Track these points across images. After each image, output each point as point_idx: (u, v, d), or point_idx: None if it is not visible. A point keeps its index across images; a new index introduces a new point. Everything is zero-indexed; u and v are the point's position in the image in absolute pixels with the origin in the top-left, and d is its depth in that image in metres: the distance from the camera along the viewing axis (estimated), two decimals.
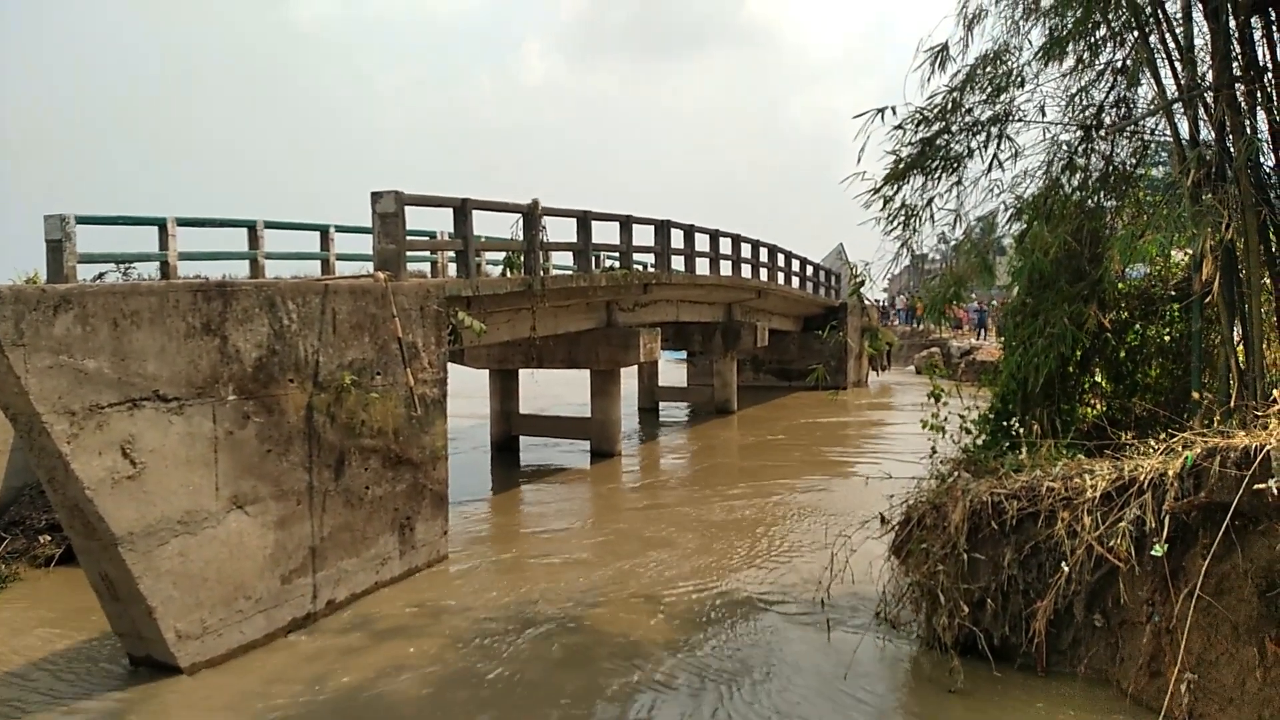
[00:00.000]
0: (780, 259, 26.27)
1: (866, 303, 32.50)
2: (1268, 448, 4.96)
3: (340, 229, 14.29)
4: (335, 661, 7.35)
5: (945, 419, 7.88)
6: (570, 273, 15.79)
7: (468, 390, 20.02)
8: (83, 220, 10.88)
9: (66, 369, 6.28)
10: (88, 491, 6.39)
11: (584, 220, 15.07)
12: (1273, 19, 6.70)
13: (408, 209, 10.69)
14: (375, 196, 10.37)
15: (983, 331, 34.11)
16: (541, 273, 13.77)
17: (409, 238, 10.92)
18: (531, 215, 13.18)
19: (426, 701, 6.61)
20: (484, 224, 12.54)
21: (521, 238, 13.30)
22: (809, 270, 29.82)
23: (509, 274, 13.61)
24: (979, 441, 8.01)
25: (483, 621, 8.22)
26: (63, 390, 6.25)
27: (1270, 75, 6.78)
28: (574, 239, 15.08)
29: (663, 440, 20.60)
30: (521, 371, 18.26)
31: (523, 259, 13.49)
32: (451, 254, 13.54)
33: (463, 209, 11.65)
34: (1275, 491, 4.83)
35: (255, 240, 12.99)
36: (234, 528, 7.49)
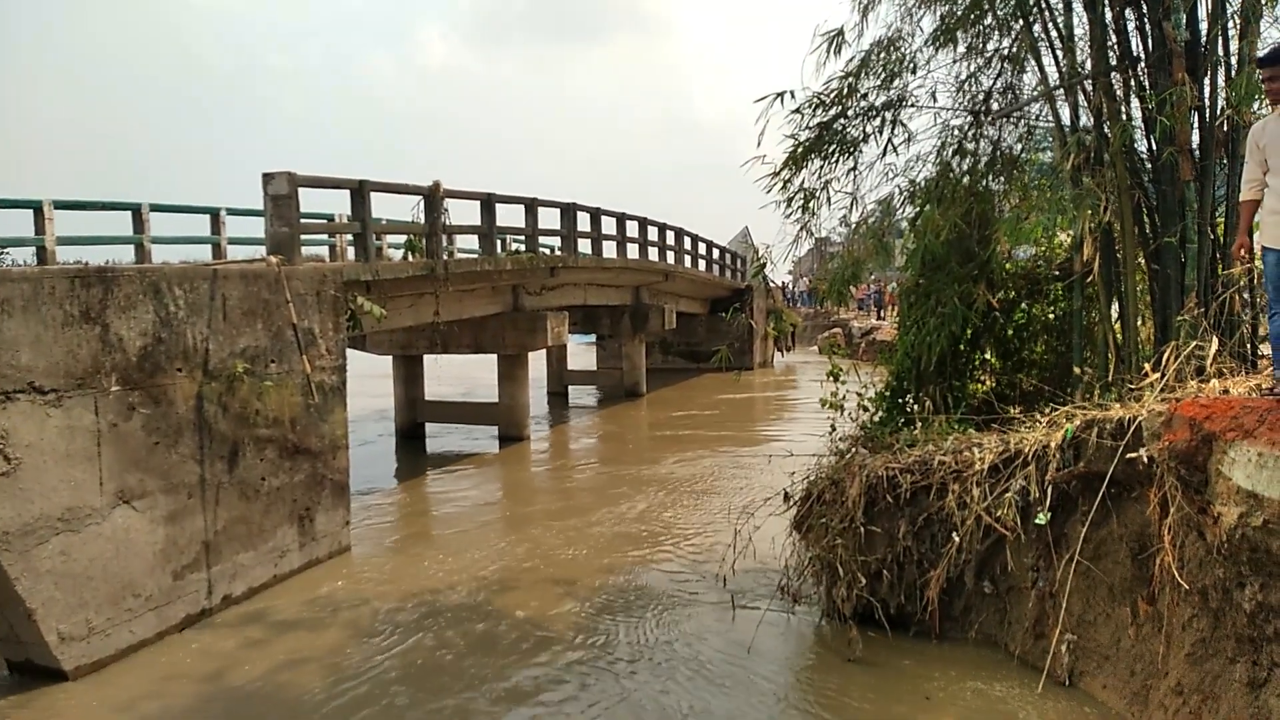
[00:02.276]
0: (687, 242, 26.45)
1: (771, 285, 33.05)
2: (1140, 418, 5.22)
3: (232, 212, 13.78)
4: (232, 657, 7.14)
5: (844, 397, 8.08)
6: (475, 256, 15.58)
7: (373, 376, 19.64)
8: None
9: None
10: None
11: (488, 203, 14.88)
12: (1144, 11, 7.01)
13: (303, 191, 10.37)
14: (267, 178, 10.02)
15: (879, 311, 34.98)
16: (445, 256, 13.56)
17: (304, 220, 10.60)
18: (433, 198, 12.95)
19: (328, 695, 6.46)
20: (385, 207, 12.28)
21: (423, 220, 13.05)
22: (715, 253, 30.12)
23: (410, 257, 13.34)
24: (876, 418, 8.24)
25: (387, 612, 8.08)
26: None
27: (1143, 64, 7.10)
28: (478, 222, 14.88)
29: (572, 423, 20.57)
30: (426, 357, 17.97)
31: (424, 242, 13.24)
32: (350, 237, 13.21)
33: (360, 191, 11.35)
34: (1146, 460, 5.10)
35: (140, 224, 12.42)
36: (121, 524, 7.17)
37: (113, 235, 12.38)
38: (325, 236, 14.66)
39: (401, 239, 14.41)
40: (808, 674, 6.59)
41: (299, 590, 8.70)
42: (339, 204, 12.90)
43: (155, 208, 12.66)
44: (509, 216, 15.98)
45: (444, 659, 7.02)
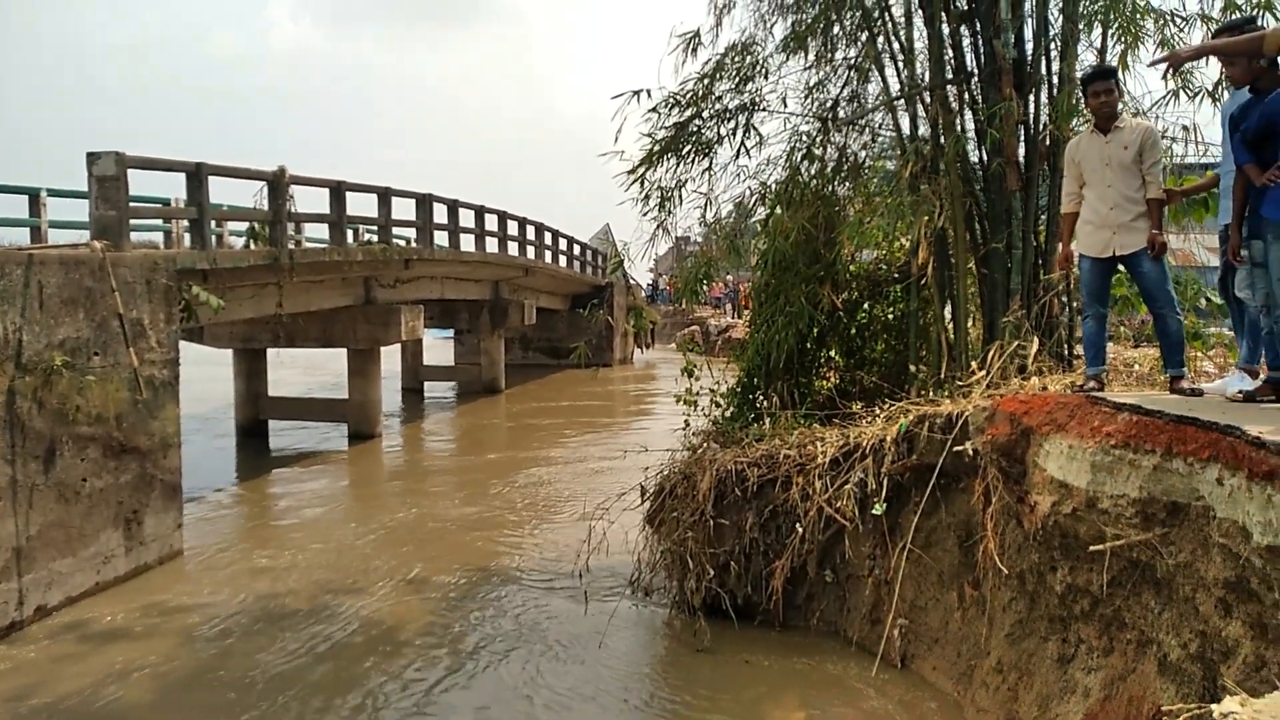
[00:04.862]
0: (548, 237, 26.35)
1: (631, 282, 33.32)
2: (966, 413, 5.53)
3: (54, 193, 12.74)
4: (47, 672, 6.62)
5: (698, 393, 8.21)
6: (324, 246, 15.00)
7: (216, 365, 18.66)
8: None
9: None
10: None
11: (338, 191, 14.37)
12: (978, 29, 7.44)
13: (135, 174, 9.74)
14: (92, 158, 9.33)
15: (735, 310, 35.76)
16: (291, 245, 13.00)
17: (134, 204, 9.94)
18: (278, 184, 12.40)
19: (156, 706, 6.08)
20: (227, 193, 11.66)
21: (267, 207, 12.47)
22: (576, 249, 30.14)
23: (253, 245, 12.71)
24: (727, 414, 8.40)
25: (223, 618, 7.68)
26: None
27: (976, 79, 7.52)
28: (327, 210, 14.34)
29: (427, 420, 20.14)
30: (271, 350, 17.18)
31: (268, 230, 12.65)
32: (187, 223, 12.47)
33: (197, 174, 10.73)
34: (971, 452, 5.40)
35: None
36: None
37: None
38: (160, 222, 13.78)
39: (244, 226, 13.72)
40: (656, 665, 6.67)
41: (126, 598, 8.16)
42: (177, 188, 12.20)
43: None
44: (361, 206, 15.52)
45: (284, 666, 6.72)
